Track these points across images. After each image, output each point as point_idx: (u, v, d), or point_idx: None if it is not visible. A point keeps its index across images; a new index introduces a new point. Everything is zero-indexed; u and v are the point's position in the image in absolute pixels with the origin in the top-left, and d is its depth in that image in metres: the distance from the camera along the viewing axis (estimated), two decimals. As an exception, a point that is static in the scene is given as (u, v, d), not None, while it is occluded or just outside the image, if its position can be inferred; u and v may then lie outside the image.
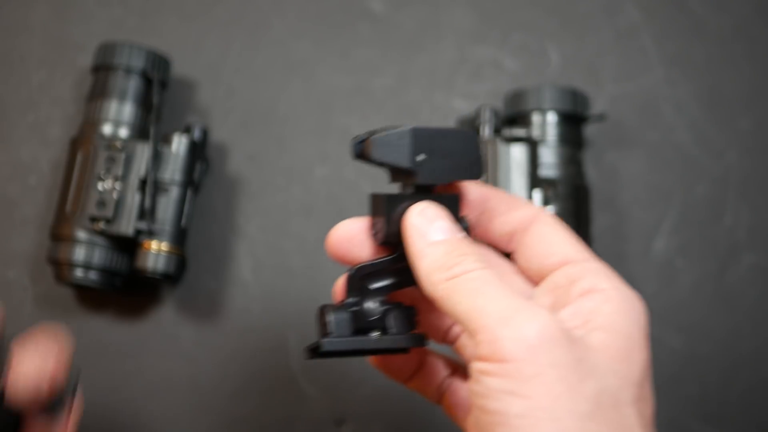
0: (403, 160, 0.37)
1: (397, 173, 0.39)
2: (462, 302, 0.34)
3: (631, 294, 0.36)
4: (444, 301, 0.35)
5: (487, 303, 0.33)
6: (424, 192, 0.38)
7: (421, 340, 0.39)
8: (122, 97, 0.63)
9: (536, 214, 0.39)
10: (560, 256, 0.38)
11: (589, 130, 0.67)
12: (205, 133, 0.64)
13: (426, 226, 0.36)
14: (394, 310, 0.38)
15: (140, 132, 0.63)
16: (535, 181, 0.60)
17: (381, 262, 0.38)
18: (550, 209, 0.60)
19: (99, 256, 0.60)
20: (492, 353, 0.32)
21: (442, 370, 0.42)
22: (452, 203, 0.38)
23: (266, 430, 0.63)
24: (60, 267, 0.61)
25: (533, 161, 0.61)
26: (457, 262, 0.35)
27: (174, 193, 0.61)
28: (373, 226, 0.39)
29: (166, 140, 0.62)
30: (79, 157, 0.61)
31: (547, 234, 0.38)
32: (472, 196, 0.40)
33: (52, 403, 0.41)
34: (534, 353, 0.31)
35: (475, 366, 0.32)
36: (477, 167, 0.38)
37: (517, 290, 0.37)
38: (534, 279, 0.39)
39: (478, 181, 0.39)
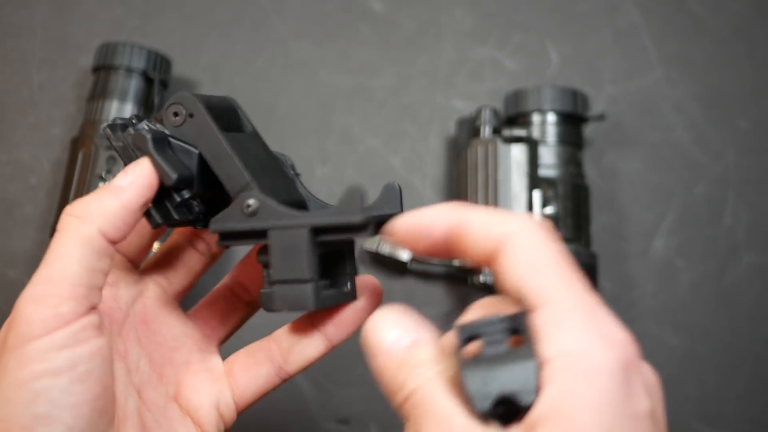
0: None
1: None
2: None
3: (595, 355, 0.29)
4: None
5: None
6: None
7: None
8: (123, 98, 0.63)
9: (509, 233, 0.32)
10: (531, 298, 0.31)
11: (589, 130, 0.67)
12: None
13: (378, 341, 0.33)
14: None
15: (141, 132, 0.63)
16: (535, 181, 0.60)
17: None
18: (550, 209, 0.60)
19: (100, 255, 0.60)
20: None
21: None
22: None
23: (266, 430, 0.63)
24: (61, 267, 0.61)
25: (533, 161, 0.61)
26: (406, 379, 0.31)
27: (175, 193, 0.61)
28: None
29: (167, 140, 0.62)
30: (80, 157, 0.61)
31: (516, 264, 0.31)
32: (437, 224, 0.34)
33: None
34: None
35: None
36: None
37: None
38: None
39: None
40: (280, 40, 0.70)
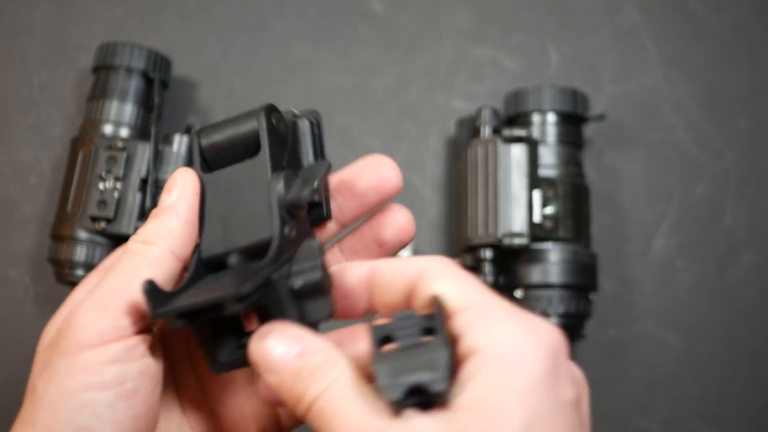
0: None
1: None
2: None
3: (522, 342, 0.30)
4: None
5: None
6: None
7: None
8: (123, 97, 0.63)
9: (423, 267, 0.33)
10: (452, 304, 0.32)
11: (589, 130, 0.67)
12: (205, 133, 0.64)
13: (265, 358, 0.32)
14: None
15: (141, 132, 0.63)
16: (535, 181, 0.60)
17: None
18: (550, 209, 0.60)
19: (100, 255, 0.60)
20: None
21: None
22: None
23: (267, 430, 0.63)
24: (61, 267, 0.61)
25: (533, 161, 0.61)
26: (304, 389, 0.31)
27: (175, 193, 0.61)
28: None
29: (167, 140, 0.62)
30: (80, 157, 0.61)
31: (436, 283, 0.32)
32: (351, 283, 0.35)
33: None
34: None
35: None
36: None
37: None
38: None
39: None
40: (280, 40, 0.70)
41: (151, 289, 0.33)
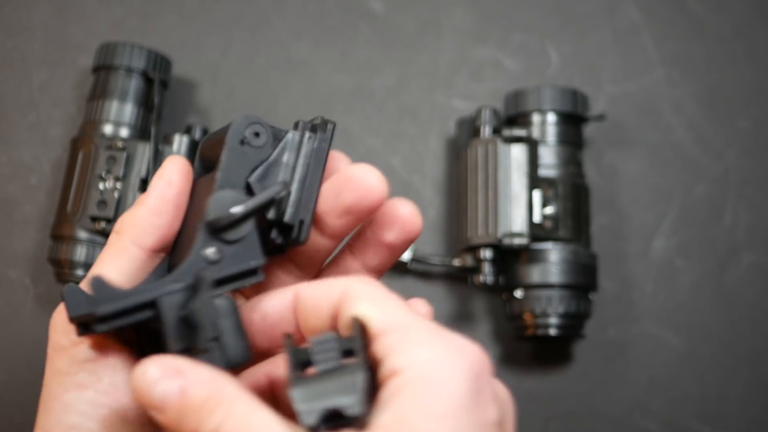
0: None
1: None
2: None
3: (444, 363, 0.29)
4: None
5: None
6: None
7: None
8: (123, 98, 0.63)
9: (346, 287, 0.32)
10: (375, 326, 0.31)
11: (589, 130, 0.67)
12: (205, 133, 0.64)
13: (146, 394, 0.30)
14: None
15: (141, 132, 0.63)
16: (535, 181, 0.60)
17: None
18: (550, 209, 0.60)
19: (100, 255, 0.60)
20: None
21: None
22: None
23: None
24: (61, 267, 0.61)
25: (533, 161, 0.61)
26: (196, 424, 0.29)
27: (175, 193, 0.61)
28: None
29: (167, 140, 0.62)
30: (80, 157, 0.61)
31: (357, 305, 0.32)
32: (273, 313, 0.34)
33: None
34: None
35: None
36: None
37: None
38: None
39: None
40: (280, 40, 0.70)
41: (72, 293, 0.32)
